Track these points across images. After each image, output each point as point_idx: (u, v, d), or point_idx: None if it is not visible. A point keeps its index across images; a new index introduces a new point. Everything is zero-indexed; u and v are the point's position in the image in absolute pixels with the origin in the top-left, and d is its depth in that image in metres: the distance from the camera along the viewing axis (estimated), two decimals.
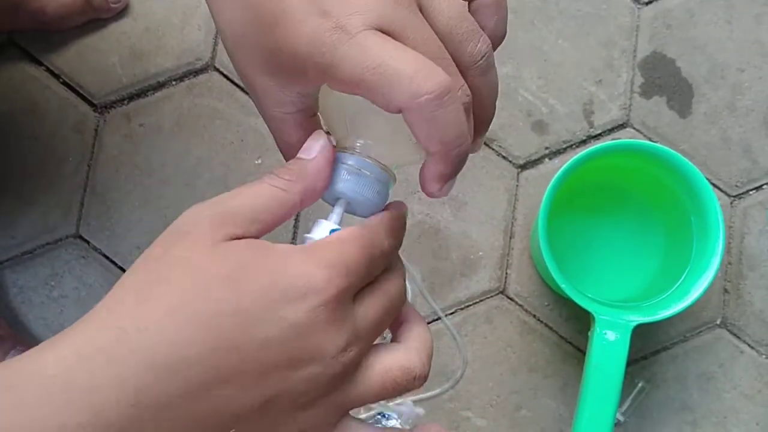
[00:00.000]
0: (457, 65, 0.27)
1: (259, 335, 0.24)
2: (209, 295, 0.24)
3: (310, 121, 0.30)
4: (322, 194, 0.29)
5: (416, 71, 0.24)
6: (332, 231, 0.28)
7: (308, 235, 0.28)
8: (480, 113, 0.28)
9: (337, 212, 0.29)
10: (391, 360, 0.27)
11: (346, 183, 0.28)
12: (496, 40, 0.29)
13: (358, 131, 0.29)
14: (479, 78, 0.27)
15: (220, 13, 0.30)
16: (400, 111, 0.25)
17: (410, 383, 0.28)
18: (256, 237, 0.26)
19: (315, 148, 0.28)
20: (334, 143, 0.29)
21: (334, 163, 0.29)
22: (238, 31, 0.28)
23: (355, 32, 0.25)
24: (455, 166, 0.27)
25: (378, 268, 0.28)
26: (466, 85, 0.26)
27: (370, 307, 0.27)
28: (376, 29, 0.25)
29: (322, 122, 0.31)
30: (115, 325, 0.24)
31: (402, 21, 0.26)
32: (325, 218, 0.29)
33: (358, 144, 0.29)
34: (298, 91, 0.28)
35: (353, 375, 0.26)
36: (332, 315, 0.25)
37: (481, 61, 0.27)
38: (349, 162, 0.29)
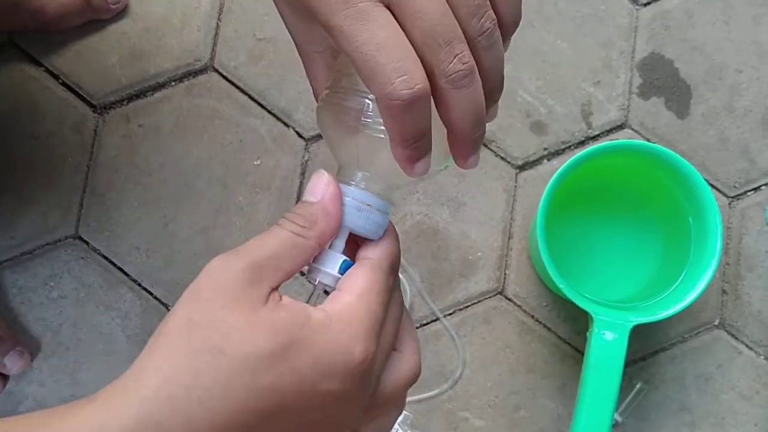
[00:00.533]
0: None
1: (298, 407, 0.26)
2: (256, 374, 0.25)
3: (334, 60, 0.31)
4: (335, 233, 0.30)
5: (396, 72, 0.25)
6: (343, 262, 0.29)
7: (320, 267, 0.30)
8: (485, 84, 0.28)
9: (341, 241, 0.30)
10: (403, 373, 0.30)
11: (350, 217, 0.30)
12: (510, 25, 0.29)
13: (362, 163, 0.30)
14: (483, 51, 0.27)
15: None
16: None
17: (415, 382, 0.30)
18: (278, 285, 0.28)
19: (319, 189, 0.29)
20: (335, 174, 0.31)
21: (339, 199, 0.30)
22: None
23: (357, 1, 0.25)
24: (415, 150, 0.27)
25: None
26: (467, 51, 0.26)
27: (385, 340, 0.29)
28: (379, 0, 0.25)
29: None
30: (166, 395, 0.24)
31: None
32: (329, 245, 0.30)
33: (359, 175, 0.30)
34: (321, 33, 0.28)
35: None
36: (365, 375, 0.27)
37: (481, 38, 0.27)
38: (353, 197, 0.30)
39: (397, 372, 0.29)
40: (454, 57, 0.26)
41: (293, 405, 0.25)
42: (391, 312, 0.30)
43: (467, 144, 0.28)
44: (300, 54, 0.31)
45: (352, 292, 0.28)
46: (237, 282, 0.26)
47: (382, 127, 0.28)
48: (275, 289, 0.27)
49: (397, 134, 0.27)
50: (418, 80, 0.25)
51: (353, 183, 0.30)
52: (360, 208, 0.30)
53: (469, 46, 0.26)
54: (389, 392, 0.29)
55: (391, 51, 0.25)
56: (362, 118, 0.29)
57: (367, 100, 0.28)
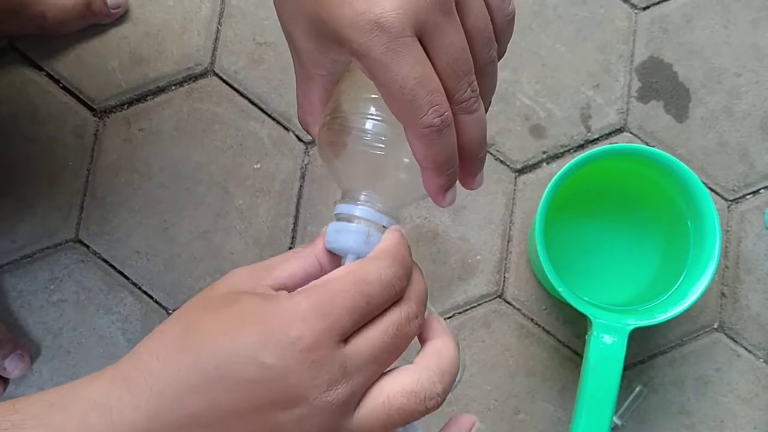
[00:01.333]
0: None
1: (245, 376, 0.25)
2: (207, 335, 0.27)
3: (333, 85, 0.32)
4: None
5: (430, 104, 0.27)
6: None
7: None
8: (484, 104, 0.31)
9: (349, 262, 0.31)
10: (394, 386, 0.27)
11: (354, 242, 0.30)
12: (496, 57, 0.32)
13: (367, 182, 0.31)
14: (487, 78, 0.31)
15: None
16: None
17: (421, 406, 0.28)
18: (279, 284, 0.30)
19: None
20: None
21: (337, 217, 0.31)
22: None
23: (395, 35, 0.27)
24: (448, 178, 0.30)
25: (379, 300, 0.28)
26: (475, 79, 0.29)
27: (363, 342, 0.27)
28: (412, 32, 0.27)
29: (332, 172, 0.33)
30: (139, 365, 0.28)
31: (435, 25, 0.27)
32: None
33: (364, 195, 0.31)
34: (334, 58, 0.30)
35: (353, 410, 0.27)
36: (308, 357, 0.26)
37: (488, 67, 0.31)
38: (356, 214, 0.31)
39: (393, 385, 0.27)
40: (468, 86, 0.28)
41: (241, 372, 0.25)
42: (389, 310, 0.28)
43: (476, 162, 0.31)
44: (300, 73, 0.32)
45: (317, 282, 0.28)
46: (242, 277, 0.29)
47: (383, 145, 0.30)
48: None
49: (431, 161, 0.29)
50: (447, 108, 0.28)
51: (359, 203, 0.31)
52: (360, 232, 0.30)
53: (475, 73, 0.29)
54: (378, 407, 0.27)
55: (427, 84, 0.27)
56: (365, 138, 0.30)
57: (369, 121, 0.30)
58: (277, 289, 0.29)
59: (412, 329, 0.29)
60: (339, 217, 0.31)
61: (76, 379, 0.27)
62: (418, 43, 0.27)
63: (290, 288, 0.29)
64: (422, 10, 0.27)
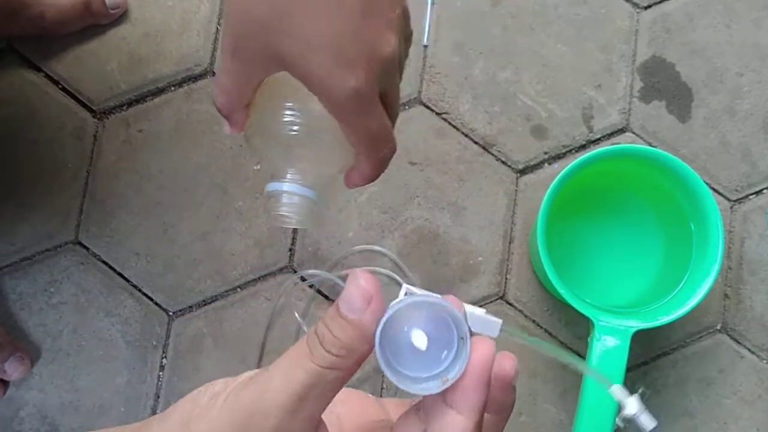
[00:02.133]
0: None
1: None
2: None
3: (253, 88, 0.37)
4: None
5: (387, 143, 0.37)
6: None
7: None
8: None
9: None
10: None
11: (287, 207, 0.37)
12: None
13: (295, 160, 0.38)
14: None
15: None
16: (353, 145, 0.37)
17: None
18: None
19: (357, 303, 0.25)
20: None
21: (269, 195, 0.38)
22: (253, 19, 0.33)
23: (368, 101, 0.34)
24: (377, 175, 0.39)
25: None
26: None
27: None
28: (377, 94, 0.34)
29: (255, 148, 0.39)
30: None
31: (390, 86, 0.36)
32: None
33: (292, 172, 0.38)
34: (261, 79, 0.36)
35: None
36: None
37: None
38: (284, 189, 0.37)
39: None
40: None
41: None
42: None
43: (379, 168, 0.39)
44: (221, 77, 0.36)
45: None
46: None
47: (299, 134, 0.37)
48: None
49: (376, 173, 0.38)
50: (395, 142, 0.37)
51: (288, 178, 0.37)
52: (292, 200, 0.37)
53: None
54: None
55: (386, 130, 0.36)
56: (291, 128, 0.37)
57: (289, 116, 0.37)
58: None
59: None
60: (270, 195, 0.38)
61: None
62: (379, 100, 0.35)
63: None
64: (384, 78, 0.34)
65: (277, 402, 0.23)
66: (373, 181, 0.39)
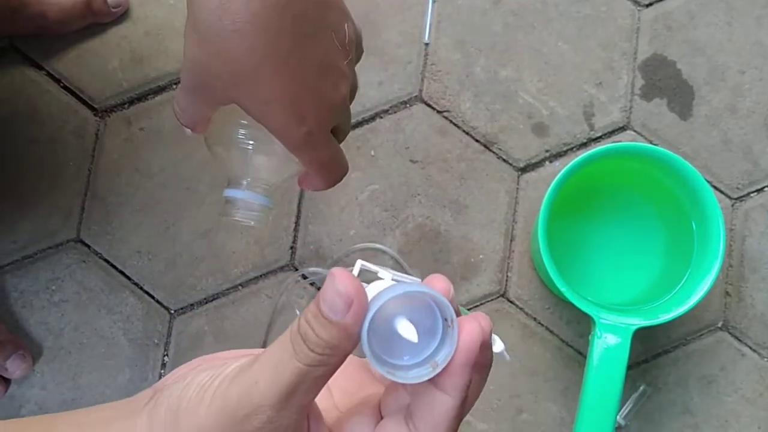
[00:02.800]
0: None
1: None
2: None
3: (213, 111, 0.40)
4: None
5: (342, 170, 0.41)
6: None
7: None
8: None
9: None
10: None
11: (241, 213, 0.42)
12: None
13: (249, 170, 0.42)
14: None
15: (194, 43, 0.35)
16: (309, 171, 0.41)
17: None
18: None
19: (339, 306, 0.24)
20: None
21: (226, 200, 0.42)
22: (211, 73, 0.35)
23: (322, 140, 0.37)
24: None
25: None
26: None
27: None
28: (329, 130, 0.38)
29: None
30: None
31: (341, 120, 0.39)
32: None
33: (246, 181, 0.42)
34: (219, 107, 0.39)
35: None
36: None
37: None
38: (239, 197, 0.42)
39: None
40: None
41: None
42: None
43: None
44: (201, 95, 0.38)
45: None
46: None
47: (251, 148, 0.41)
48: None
49: (327, 188, 0.42)
50: (347, 165, 0.41)
51: (243, 187, 0.42)
52: (247, 208, 0.42)
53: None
54: None
55: (339, 159, 0.40)
56: (247, 142, 0.41)
57: (242, 134, 0.41)
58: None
59: None
60: (228, 200, 0.42)
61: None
62: (330, 134, 0.38)
63: None
64: (335, 119, 0.38)
65: (264, 402, 0.24)
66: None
